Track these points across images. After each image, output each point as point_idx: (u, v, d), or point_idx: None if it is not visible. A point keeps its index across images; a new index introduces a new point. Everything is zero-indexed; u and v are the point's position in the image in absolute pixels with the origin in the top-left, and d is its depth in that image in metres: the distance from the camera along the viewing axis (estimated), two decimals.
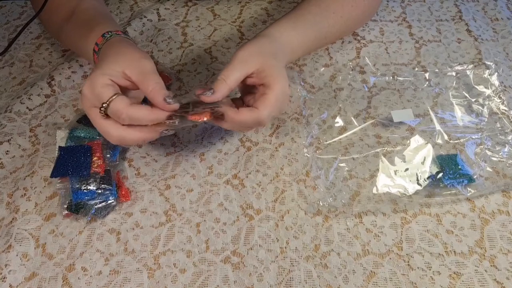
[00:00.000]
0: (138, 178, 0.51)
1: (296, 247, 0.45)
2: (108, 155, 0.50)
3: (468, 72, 0.57)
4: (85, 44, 0.51)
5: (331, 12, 0.57)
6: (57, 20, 0.57)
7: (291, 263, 0.44)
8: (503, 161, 0.50)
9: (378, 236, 0.45)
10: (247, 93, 0.48)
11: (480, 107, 0.54)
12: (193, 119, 0.42)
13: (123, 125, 0.42)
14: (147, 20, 0.68)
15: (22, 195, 0.49)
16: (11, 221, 0.47)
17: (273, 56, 0.47)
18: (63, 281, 0.43)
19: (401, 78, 0.59)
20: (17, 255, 0.45)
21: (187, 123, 0.43)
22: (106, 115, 0.42)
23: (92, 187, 0.47)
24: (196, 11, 0.70)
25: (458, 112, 0.54)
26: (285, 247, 0.45)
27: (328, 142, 0.52)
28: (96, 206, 0.47)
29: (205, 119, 0.42)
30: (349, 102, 0.56)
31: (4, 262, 0.44)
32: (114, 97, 0.41)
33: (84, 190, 0.47)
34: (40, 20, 0.64)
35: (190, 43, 0.65)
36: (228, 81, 0.44)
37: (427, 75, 0.58)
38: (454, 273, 0.43)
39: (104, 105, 0.41)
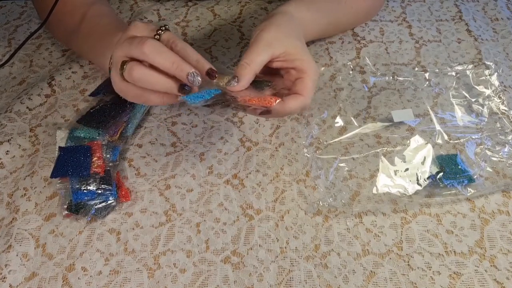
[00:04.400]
0: (138, 178, 0.51)
1: (296, 247, 0.45)
2: (108, 155, 0.50)
3: (468, 72, 0.57)
4: (103, 58, 0.50)
5: (343, 2, 0.59)
6: (67, 27, 0.57)
7: (291, 263, 0.44)
8: (503, 161, 0.50)
9: (378, 236, 0.45)
10: (267, 75, 0.47)
11: (480, 107, 0.54)
12: (250, 111, 0.44)
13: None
14: (147, 20, 0.68)
15: (22, 195, 0.49)
16: (11, 221, 0.47)
17: (297, 37, 0.46)
18: (63, 281, 0.43)
19: (401, 78, 0.59)
20: (17, 255, 0.44)
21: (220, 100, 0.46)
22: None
23: (92, 187, 0.47)
24: (196, 11, 0.70)
25: (458, 112, 0.54)
26: (285, 247, 0.45)
27: (328, 142, 0.52)
28: (96, 206, 0.47)
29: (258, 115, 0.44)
30: (349, 102, 0.56)
31: (4, 262, 0.44)
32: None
33: (84, 191, 0.47)
34: (46, 26, 0.63)
35: (190, 42, 0.65)
36: (253, 65, 0.42)
37: (427, 75, 0.58)
38: (454, 273, 0.43)
39: (162, 28, 0.41)
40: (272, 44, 0.43)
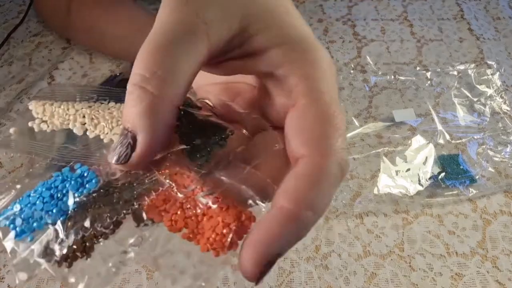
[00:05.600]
0: None
1: (296, 248, 0.45)
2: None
3: (470, 71, 0.57)
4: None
5: None
6: (98, 30, 0.57)
7: (292, 264, 0.44)
8: (505, 161, 0.49)
9: (379, 237, 0.45)
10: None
11: (482, 107, 0.54)
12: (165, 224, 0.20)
13: None
14: None
15: None
16: None
17: None
18: (61, 282, 0.43)
19: (402, 78, 0.58)
20: None
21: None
22: None
23: None
24: None
25: (460, 111, 0.54)
26: None
27: None
28: None
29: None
30: (350, 102, 0.56)
31: (2, 262, 0.44)
32: None
33: None
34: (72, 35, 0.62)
35: None
36: (164, 91, 0.19)
37: (428, 74, 0.58)
38: (456, 274, 0.42)
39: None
40: (206, 17, 0.19)
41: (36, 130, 0.25)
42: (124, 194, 0.19)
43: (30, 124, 0.25)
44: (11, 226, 0.20)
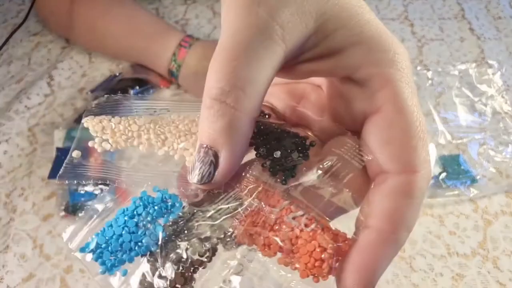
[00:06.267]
0: None
1: None
2: (106, 156, 0.49)
3: (470, 71, 0.57)
4: (156, 57, 0.53)
5: None
6: (98, 30, 0.57)
7: None
8: (506, 161, 0.49)
9: None
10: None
11: (483, 107, 0.54)
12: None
13: None
14: None
15: (19, 195, 0.48)
16: (8, 221, 0.46)
17: None
18: (61, 283, 0.43)
19: None
20: (14, 256, 0.44)
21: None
22: None
23: (89, 188, 0.46)
24: (195, 9, 0.70)
25: (461, 111, 0.53)
26: None
27: None
28: (93, 207, 0.46)
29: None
30: None
31: (1, 263, 0.43)
32: None
33: (81, 191, 0.46)
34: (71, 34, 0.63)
35: None
36: (243, 105, 0.18)
37: (429, 74, 0.58)
38: (457, 274, 0.42)
39: None
40: (280, 18, 0.18)
41: (99, 151, 0.22)
42: (213, 218, 0.18)
43: (90, 144, 0.22)
44: (99, 260, 0.19)
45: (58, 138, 0.51)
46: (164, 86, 0.57)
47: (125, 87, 0.55)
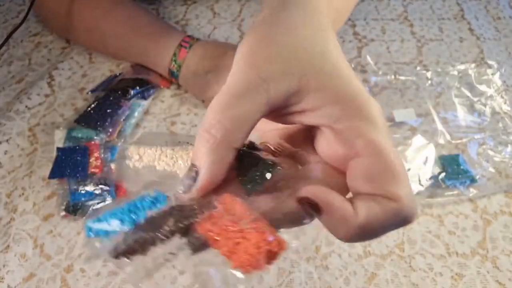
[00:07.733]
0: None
1: (296, 248, 0.45)
2: (106, 155, 0.49)
3: (470, 71, 0.57)
4: (158, 58, 0.54)
5: None
6: (97, 29, 0.58)
7: (292, 265, 0.43)
8: (506, 161, 0.49)
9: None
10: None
11: (483, 107, 0.54)
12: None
13: None
14: None
15: (20, 195, 0.48)
16: (9, 221, 0.46)
17: (320, 55, 0.23)
18: (61, 283, 0.43)
19: (402, 77, 0.58)
20: (15, 256, 0.44)
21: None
22: None
23: (89, 188, 0.46)
24: (195, 9, 0.70)
25: (461, 111, 0.53)
26: None
27: None
28: (93, 207, 0.46)
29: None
30: None
31: (2, 262, 0.44)
32: None
33: (82, 191, 0.46)
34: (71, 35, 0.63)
35: None
36: (228, 134, 0.22)
37: (429, 74, 0.58)
38: (456, 274, 0.42)
39: None
40: (266, 76, 0.22)
41: (131, 166, 0.31)
42: (183, 213, 0.22)
43: (127, 162, 0.31)
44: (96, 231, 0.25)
45: (59, 138, 0.51)
46: (164, 86, 0.58)
47: (125, 87, 0.55)
